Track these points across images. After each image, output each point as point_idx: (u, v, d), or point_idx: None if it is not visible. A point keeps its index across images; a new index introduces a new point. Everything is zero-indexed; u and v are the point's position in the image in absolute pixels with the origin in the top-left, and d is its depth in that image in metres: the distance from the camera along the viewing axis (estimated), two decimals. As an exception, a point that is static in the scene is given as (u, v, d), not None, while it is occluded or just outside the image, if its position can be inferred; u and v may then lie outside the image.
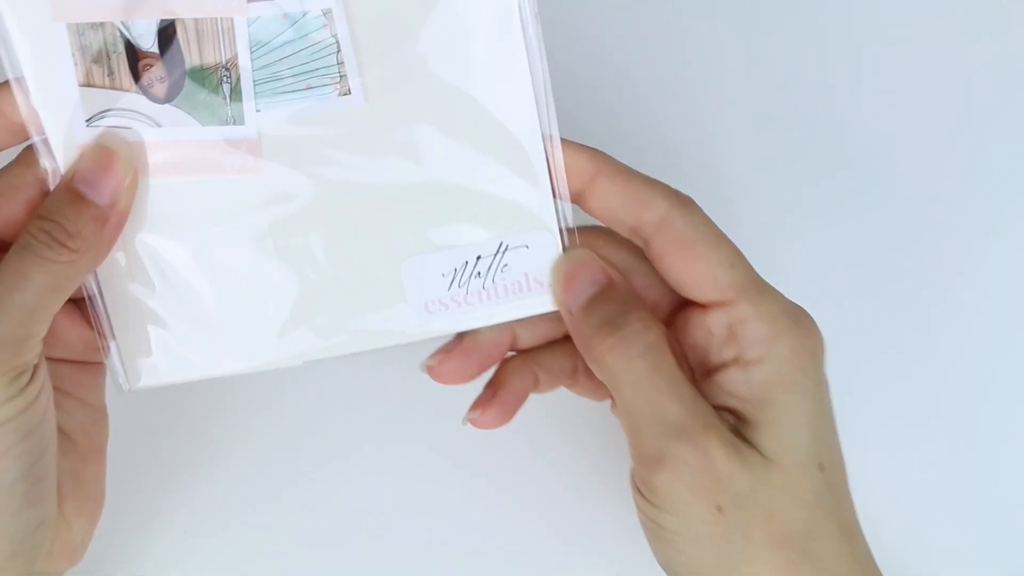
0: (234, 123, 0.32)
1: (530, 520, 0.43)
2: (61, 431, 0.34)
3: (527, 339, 0.37)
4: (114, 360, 0.34)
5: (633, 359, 0.32)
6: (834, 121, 0.48)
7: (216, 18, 0.31)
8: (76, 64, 0.31)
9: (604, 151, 0.34)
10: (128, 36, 0.31)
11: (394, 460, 0.44)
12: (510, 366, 0.36)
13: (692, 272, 0.33)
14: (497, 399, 0.36)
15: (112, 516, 0.38)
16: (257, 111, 0.32)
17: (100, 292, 0.34)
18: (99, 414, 0.37)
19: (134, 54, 0.31)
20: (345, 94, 0.32)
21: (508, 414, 0.36)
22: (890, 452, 0.45)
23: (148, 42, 0.31)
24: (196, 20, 0.31)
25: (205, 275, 0.33)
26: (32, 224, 0.31)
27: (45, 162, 0.32)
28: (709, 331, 0.33)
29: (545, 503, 0.44)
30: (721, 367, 0.33)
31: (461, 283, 0.34)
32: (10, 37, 0.31)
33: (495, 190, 0.33)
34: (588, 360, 0.33)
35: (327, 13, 0.31)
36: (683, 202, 0.33)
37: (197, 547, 0.43)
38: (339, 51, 0.32)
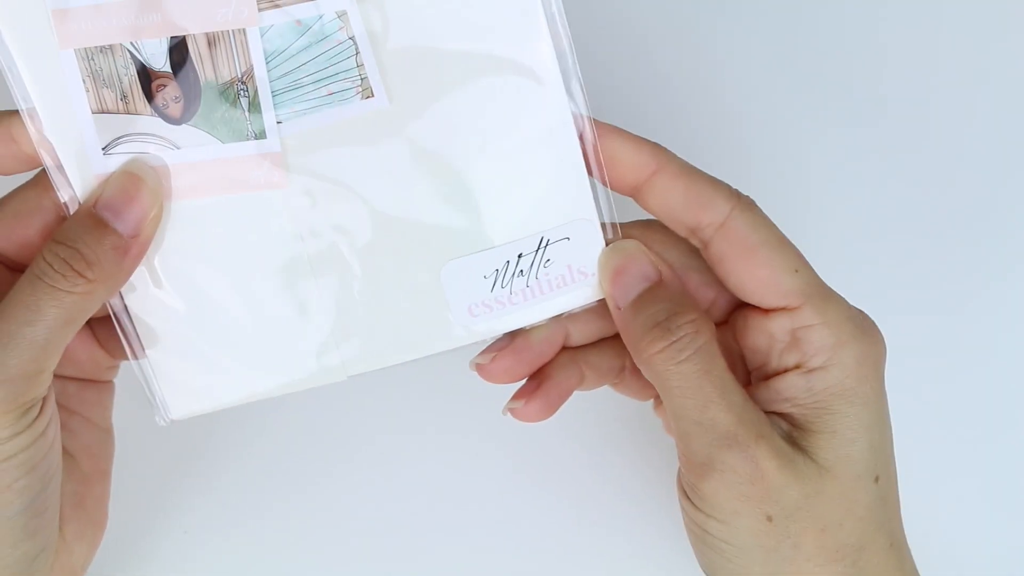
0: (256, 138, 0.31)
1: (565, 520, 0.42)
2: (65, 452, 0.34)
3: (578, 336, 0.36)
4: (149, 391, 0.34)
5: (683, 362, 0.31)
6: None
7: (228, 31, 0.30)
8: (88, 91, 0.30)
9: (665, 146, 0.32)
10: (139, 57, 0.30)
11: (402, 461, 0.43)
12: (557, 361, 0.35)
13: (755, 277, 0.32)
14: (541, 391, 0.34)
15: (113, 517, 0.37)
16: (278, 123, 0.31)
17: (131, 320, 0.33)
18: (105, 435, 0.36)
19: (147, 75, 0.30)
20: (368, 97, 0.30)
21: (551, 409, 0.35)
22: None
23: (160, 62, 0.30)
24: (207, 35, 0.30)
25: (238, 295, 0.32)
26: (47, 250, 0.30)
27: (63, 193, 0.31)
28: (771, 336, 0.33)
29: (580, 501, 0.42)
30: (781, 372, 0.33)
31: (504, 283, 0.33)
32: (17, 68, 0.30)
33: (531, 183, 0.32)
34: (636, 360, 0.32)
35: (342, 15, 0.30)
36: (745, 204, 0.32)
37: (198, 548, 0.42)
38: (357, 52, 0.30)
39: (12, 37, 0.29)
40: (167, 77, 0.30)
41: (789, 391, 0.32)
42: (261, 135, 0.31)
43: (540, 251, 0.32)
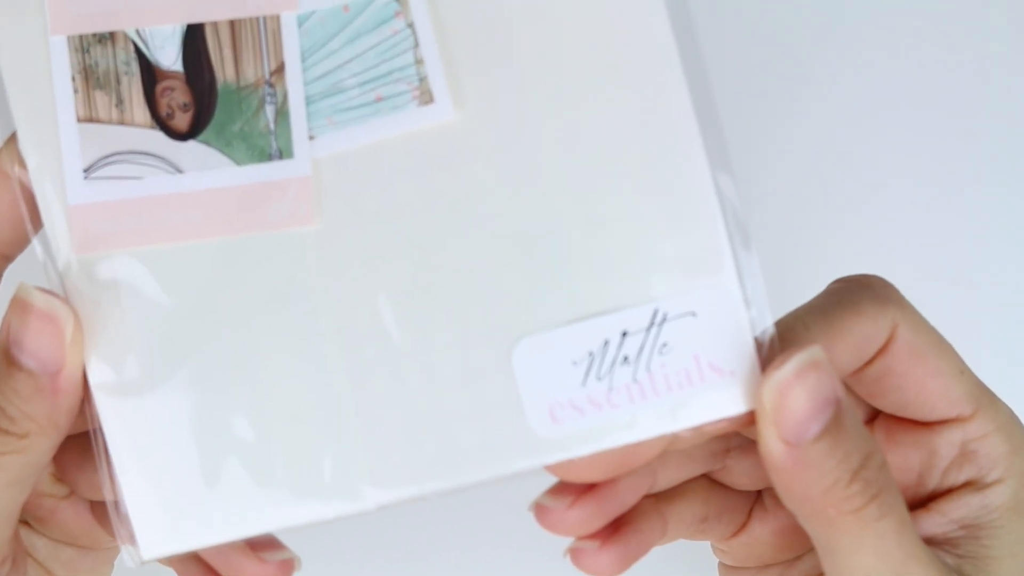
0: (280, 157, 0.23)
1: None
2: None
3: (664, 480, 0.28)
4: (119, 525, 0.24)
5: (882, 520, 0.24)
6: None
7: (258, 18, 0.24)
8: (76, 91, 0.23)
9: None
10: (145, 50, 0.24)
11: None
12: (642, 507, 0.28)
13: (925, 389, 0.27)
14: (620, 540, 0.27)
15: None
16: (311, 138, 0.23)
17: (102, 434, 0.24)
18: None
19: (151, 75, 0.24)
20: (427, 103, 0.23)
21: (627, 563, 0.28)
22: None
23: (170, 58, 0.24)
24: (232, 23, 0.24)
25: (239, 384, 0.24)
26: None
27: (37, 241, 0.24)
28: (932, 452, 0.28)
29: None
30: (947, 492, 0.28)
31: (601, 374, 0.23)
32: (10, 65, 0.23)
33: (642, 231, 0.23)
34: (808, 516, 0.25)
35: (403, 2, 0.23)
36: (902, 304, 0.27)
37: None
38: (417, 45, 0.23)
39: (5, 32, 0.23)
40: (176, 78, 0.24)
41: (959, 511, 0.28)
42: (288, 153, 0.23)
43: (653, 329, 0.23)
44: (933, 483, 0.29)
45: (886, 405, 0.28)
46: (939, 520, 0.28)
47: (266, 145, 0.23)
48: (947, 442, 0.28)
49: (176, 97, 0.24)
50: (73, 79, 0.23)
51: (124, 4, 0.23)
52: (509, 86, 0.23)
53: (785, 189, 0.41)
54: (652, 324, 0.23)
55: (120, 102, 0.24)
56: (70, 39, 0.23)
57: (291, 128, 0.23)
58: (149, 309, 0.24)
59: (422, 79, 0.23)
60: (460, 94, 0.23)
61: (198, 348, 0.24)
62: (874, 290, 0.27)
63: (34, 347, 0.24)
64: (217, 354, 0.24)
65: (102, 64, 0.24)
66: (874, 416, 0.29)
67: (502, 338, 0.23)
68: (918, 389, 0.27)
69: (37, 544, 0.30)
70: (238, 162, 0.24)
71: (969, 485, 0.28)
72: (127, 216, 0.24)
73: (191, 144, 0.24)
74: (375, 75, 0.23)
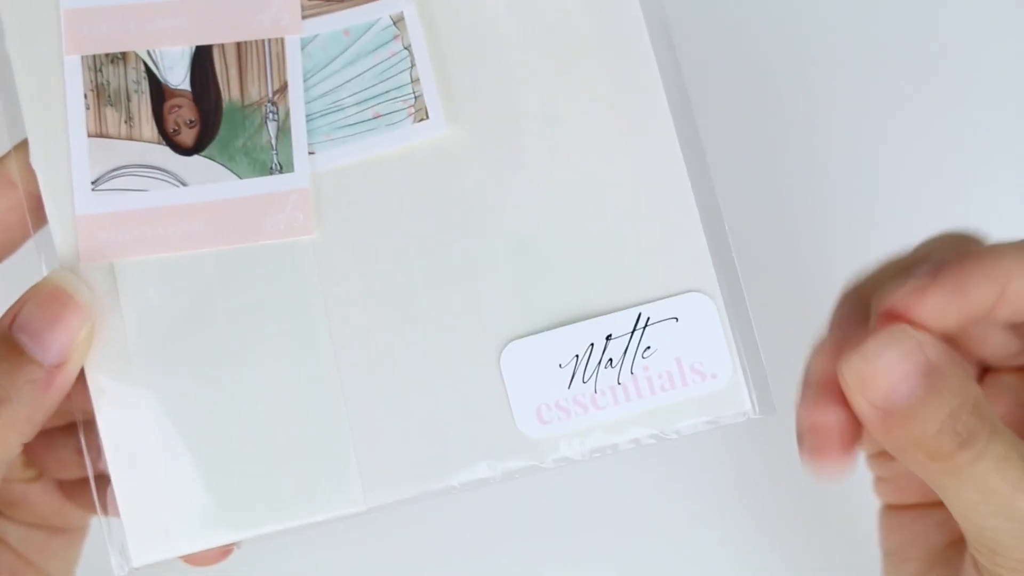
0: (281, 171, 0.25)
1: None
2: None
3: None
4: (107, 530, 0.25)
5: (975, 461, 0.25)
6: None
7: (263, 41, 0.25)
8: (88, 107, 0.25)
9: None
10: (155, 70, 0.25)
11: None
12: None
13: None
14: None
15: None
16: (311, 153, 0.25)
17: (96, 432, 0.25)
18: None
19: (160, 94, 0.25)
20: (422, 119, 0.25)
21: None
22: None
23: (179, 77, 0.25)
24: (239, 44, 0.25)
25: (235, 390, 0.24)
26: None
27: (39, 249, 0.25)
28: None
29: None
30: None
31: (586, 377, 0.24)
32: (15, 80, 0.25)
33: (624, 238, 0.25)
34: (902, 458, 0.25)
35: (398, 21, 0.25)
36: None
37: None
38: (413, 65, 0.25)
39: (14, 37, 0.25)
40: (184, 96, 0.25)
41: None
42: (288, 167, 0.25)
43: (636, 333, 0.24)
44: None
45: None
46: None
47: (267, 159, 0.25)
48: None
49: (183, 114, 0.25)
50: (85, 96, 0.25)
51: (136, 26, 0.25)
52: (500, 103, 0.25)
53: (769, 193, 0.42)
54: (636, 327, 0.24)
55: (129, 118, 0.25)
56: (84, 59, 0.25)
57: (292, 144, 0.25)
58: (148, 316, 0.25)
59: (417, 97, 0.25)
60: (453, 111, 0.25)
61: (194, 354, 0.25)
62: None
63: (46, 337, 0.24)
64: (213, 360, 0.25)
65: (113, 82, 0.25)
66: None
67: (491, 341, 0.24)
68: None
69: (8, 530, 0.29)
70: (240, 175, 0.25)
71: None
72: (132, 226, 0.25)
73: (196, 159, 0.25)
74: (373, 94, 0.25)
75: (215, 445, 0.25)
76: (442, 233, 0.25)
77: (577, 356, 0.24)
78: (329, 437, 0.24)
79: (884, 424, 0.25)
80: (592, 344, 0.24)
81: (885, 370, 0.25)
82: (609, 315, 0.24)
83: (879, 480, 0.31)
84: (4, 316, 0.25)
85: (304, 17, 0.25)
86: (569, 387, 0.24)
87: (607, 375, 0.24)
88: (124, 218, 0.25)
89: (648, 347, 0.24)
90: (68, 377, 0.25)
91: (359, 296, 0.25)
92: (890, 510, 0.31)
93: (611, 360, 0.24)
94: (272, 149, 0.25)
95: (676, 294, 0.24)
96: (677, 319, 0.24)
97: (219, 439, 0.25)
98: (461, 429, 0.24)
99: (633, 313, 0.24)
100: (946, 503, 0.26)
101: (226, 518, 0.24)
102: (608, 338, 0.24)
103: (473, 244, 0.25)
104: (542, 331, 0.24)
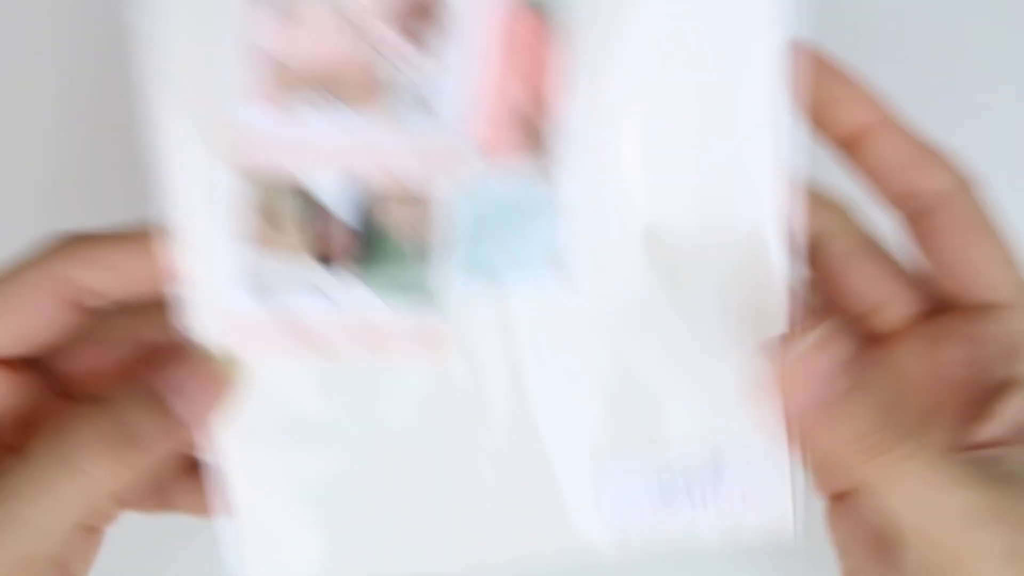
0: (420, 296, 0.27)
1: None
2: None
3: None
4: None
5: (909, 457, 0.26)
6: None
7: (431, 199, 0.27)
8: (244, 219, 0.27)
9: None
10: (314, 195, 0.27)
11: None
12: None
13: (966, 263, 0.28)
14: None
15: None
16: (453, 287, 0.27)
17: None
18: None
19: (319, 218, 0.27)
20: (560, 278, 0.28)
21: None
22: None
23: (338, 205, 0.27)
24: (397, 185, 0.27)
25: (350, 470, 0.28)
26: (85, 417, 0.27)
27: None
28: (979, 343, 0.28)
29: None
30: (995, 390, 0.28)
31: (665, 490, 0.29)
32: (172, 178, 0.26)
33: (711, 382, 0.28)
34: (855, 461, 0.26)
35: (553, 199, 0.27)
36: (970, 182, 0.29)
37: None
38: (557, 230, 0.27)
39: (179, 144, 0.26)
40: (341, 224, 0.27)
41: (1012, 412, 0.27)
42: (427, 295, 0.28)
43: (713, 462, 0.29)
44: (986, 378, 0.28)
45: (935, 268, 0.29)
46: (995, 424, 0.28)
47: (410, 285, 0.27)
48: (992, 333, 0.28)
49: (338, 239, 0.27)
50: (242, 208, 0.26)
51: (304, 157, 0.26)
52: (622, 262, 0.28)
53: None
54: (713, 458, 0.29)
55: (282, 232, 0.27)
56: (247, 172, 0.26)
57: (434, 275, 0.27)
58: (282, 409, 0.28)
59: (557, 255, 0.27)
60: (587, 274, 0.28)
61: (324, 450, 0.28)
62: (958, 165, 0.29)
63: (192, 394, 0.27)
64: (337, 452, 0.28)
65: (271, 200, 0.27)
66: (929, 312, 0.30)
67: (583, 459, 0.29)
68: (962, 260, 0.28)
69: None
70: (385, 300, 0.27)
71: (1014, 384, 0.28)
72: (276, 328, 0.28)
73: (344, 275, 0.27)
74: (515, 244, 0.27)
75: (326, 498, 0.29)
76: (559, 364, 0.28)
77: (660, 471, 0.29)
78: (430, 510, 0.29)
79: (813, 423, 0.26)
80: (670, 463, 0.28)
81: (813, 369, 0.26)
82: (689, 446, 0.28)
83: (813, 471, 0.31)
84: (155, 368, 0.27)
85: (466, 169, 0.27)
86: (649, 494, 0.29)
87: (681, 489, 0.29)
88: (268, 320, 0.27)
89: (721, 476, 0.29)
90: (199, 437, 0.27)
91: (471, 416, 0.28)
92: (831, 502, 0.31)
93: (686, 483, 0.29)
94: (416, 277, 0.27)
95: (748, 440, 0.28)
96: (747, 461, 0.29)
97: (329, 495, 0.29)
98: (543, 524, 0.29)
99: (709, 448, 0.28)
100: (877, 501, 0.27)
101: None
102: (686, 462, 0.28)
103: (584, 380, 0.28)
104: (633, 456, 0.29)
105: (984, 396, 0.28)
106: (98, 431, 0.26)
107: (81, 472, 0.26)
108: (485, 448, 0.29)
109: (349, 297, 0.27)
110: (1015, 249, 0.28)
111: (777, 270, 0.27)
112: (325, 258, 0.27)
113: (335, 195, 0.27)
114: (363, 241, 0.27)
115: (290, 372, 0.28)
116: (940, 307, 0.29)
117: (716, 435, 0.29)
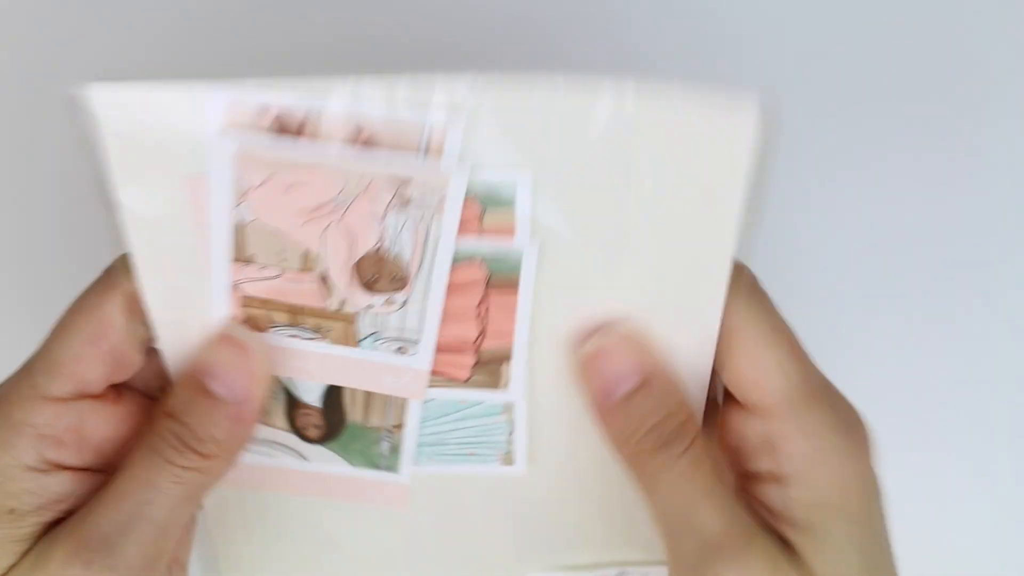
0: (388, 471, 0.31)
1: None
2: None
3: None
4: None
5: (671, 463, 0.28)
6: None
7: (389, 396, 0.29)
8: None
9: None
10: (292, 389, 0.29)
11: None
12: None
13: (740, 372, 0.29)
14: None
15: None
16: (414, 466, 0.31)
17: None
18: None
19: (294, 404, 0.30)
20: (508, 464, 0.31)
21: None
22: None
23: (311, 397, 0.29)
24: (367, 393, 0.29)
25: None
26: (158, 423, 0.28)
27: None
28: (743, 436, 0.29)
29: None
30: (759, 479, 0.29)
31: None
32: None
33: (615, 510, 0.33)
34: (624, 456, 0.29)
35: (508, 408, 0.30)
36: (745, 282, 0.28)
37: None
38: (512, 432, 0.30)
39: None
40: (314, 410, 0.30)
41: (768, 499, 0.29)
42: (394, 470, 0.31)
43: (620, 580, 0.35)
44: (749, 464, 0.30)
45: (723, 378, 0.29)
46: (756, 504, 0.29)
47: (379, 461, 0.31)
48: (753, 428, 0.29)
49: (312, 420, 0.30)
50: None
51: (282, 363, 0.29)
52: (571, 456, 0.31)
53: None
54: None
55: (267, 414, 0.30)
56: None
57: (400, 458, 0.31)
58: (270, 534, 0.32)
59: (509, 451, 0.30)
60: (533, 460, 0.31)
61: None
62: (736, 278, 0.28)
63: (228, 377, 0.28)
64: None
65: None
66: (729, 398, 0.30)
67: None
68: (736, 370, 0.29)
69: None
70: (354, 465, 0.31)
71: (771, 477, 0.29)
72: (262, 475, 0.31)
73: (318, 447, 0.30)
74: (473, 441, 0.30)
75: None
76: (493, 524, 0.32)
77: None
78: None
79: (599, 412, 0.29)
80: (585, 584, 0.34)
81: (609, 365, 0.28)
82: (603, 566, 0.34)
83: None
84: (189, 365, 0.28)
85: (430, 387, 0.29)
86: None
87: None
88: (256, 469, 0.31)
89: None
90: (254, 411, 0.28)
91: (430, 559, 0.33)
92: None
93: None
94: (383, 457, 0.30)
95: (650, 562, 0.34)
96: None
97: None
98: None
99: (618, 570, 0.34)
100: (646, 501, 0.29)
101: None
102: None
103: (504, 531, 0.32)
104: (554, 572, 0.34)
105: (741, 479, 0.30)
106: (172, 433, 0.27)
107: (172, 466, 0.27)
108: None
109: (317, 456, 0.31)
110: (788, 348, 0.28)
111: None
112: (303, 435, 0.30)
113: (313, 391, 0.29)
114: (335, 427, 0.30)
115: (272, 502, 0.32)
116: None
117: (623, 555, 0.33)
